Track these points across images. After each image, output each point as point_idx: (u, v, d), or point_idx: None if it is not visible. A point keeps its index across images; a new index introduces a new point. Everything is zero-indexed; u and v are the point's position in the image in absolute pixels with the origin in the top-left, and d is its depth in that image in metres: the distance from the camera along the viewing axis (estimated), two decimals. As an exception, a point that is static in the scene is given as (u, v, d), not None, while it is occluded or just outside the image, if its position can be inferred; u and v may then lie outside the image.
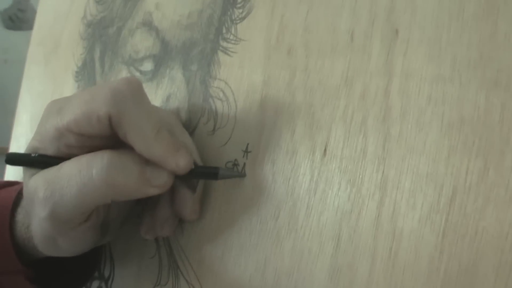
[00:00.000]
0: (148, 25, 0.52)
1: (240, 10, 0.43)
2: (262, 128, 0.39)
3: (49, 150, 0.38)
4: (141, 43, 0.53)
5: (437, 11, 0.31)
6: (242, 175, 0.39)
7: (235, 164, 0.40)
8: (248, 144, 0.40)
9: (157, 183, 0.37)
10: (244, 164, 0.39)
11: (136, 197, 0.37)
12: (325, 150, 0.35)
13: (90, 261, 0.50)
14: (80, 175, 0.35)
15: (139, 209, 0.45)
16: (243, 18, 0.42)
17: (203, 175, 0.40)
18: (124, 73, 0.54)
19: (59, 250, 0.40)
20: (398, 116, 0.31)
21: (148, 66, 0.52)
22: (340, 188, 0.34)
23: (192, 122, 0.45)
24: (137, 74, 0.52)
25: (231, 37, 0.43)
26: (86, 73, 0.61)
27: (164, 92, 0.49)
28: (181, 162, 0.37)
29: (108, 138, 0.37)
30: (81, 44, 0.63)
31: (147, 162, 0.37)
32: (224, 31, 0.44)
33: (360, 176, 0.33)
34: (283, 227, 0.36)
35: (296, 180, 0.36)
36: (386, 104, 0.32)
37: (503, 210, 0.27)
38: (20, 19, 1.89)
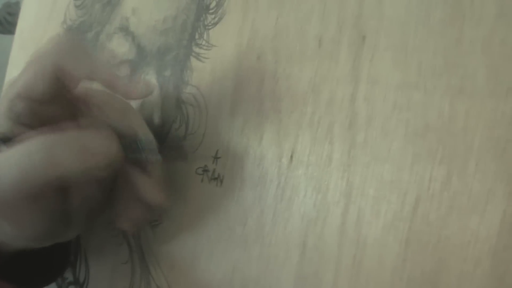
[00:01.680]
0: (124, 30, 0.52)
1: (213, 16, 0.43)
2: (231, 134, 0.39)
3: (4, 129, 0.37)
4: (117, 48, 0.53)
5: (403, 17, 0.31)
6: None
7: (205, 170, 0.40)
8: (217, 150, 0.39)
9: (98, 149, 0.36)
10: (223, 176, 0.39)
11: (82, 172, 0.35)
12: (291, 156, 0.35)
13: (59, 259, 0.50)
14: (19, 154, 0.34)
15: (113, 215, 0.44)
16: (216, 24, 0.42)
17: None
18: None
19: (7, 235, 0.39)
20: (363, 123, 0.31)
21: (124, 71, 0.51)
22: (306, 195, 0.33)
23: (164, 128, 0.44)
24: (114, 79, 0.52)
25: (204, 42, 0.43)
26: (65, 78, 0.61)
27: (139, 98, 0.48)
28: (134, 87, 0.38)
29: (57, 107, 0.38)
30: (61, 49, 0.63)
31: (89, 135, 0.36)
32: (197, 36, 0.44)
33: (326, 183, 0.32)
34: (250, 234, 0.36)
35: (263, 186, 0.36)
36: (352, 111, 0.32)
37: (466, 219, 0.27)
38: (9, 23, 1.87)
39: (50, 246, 0.42)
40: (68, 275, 0.53)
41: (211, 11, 0.43)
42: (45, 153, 0.34)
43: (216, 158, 0.39)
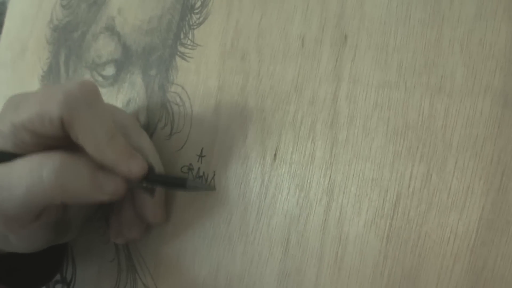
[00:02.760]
0: (110, 30, 0.52)
1: (198, 16, 0.43)
2: (216, 133, 0.39)
3: (6, 145, 0.37)
4: (103, 48, 0.53)
5: (384, 17, 0.31)
6: (211, 188, 0.39)
7: (190, 168, 0.40)
8: (202, 148, 0.40)
9: (109, 189, 0.36)
10: (214, 174, 0.39)
11: (87, 202, 0.37)
12: (275, 155, 0.35)
13: (54, 260, 0.50)
14: (30, 174, 0.34)
15: (100, 213, 0.44)
16: (200, 24, 0.43)
17: (168, 184, 0.39)
18: (87, 78, 0.54)
19: (13, 247, 0.39)
20: (345, 121, 0.32)
21: (110, 71, 0.51)
22: (289, 192, 0.34)
23: (150, 127, 0.45)
24: (100, 78, 0.52)
25: (189, 42, 0.43)
26: (51, 77, 0.61)
27: (125, 97, 0.48)
28: (134, 168, 0.36)
29: (64, 139, 0.37)
30: (47, 48, 0.63)
31: (100, 167, 0.36)
32: (182, 36, 0.44)
33: (308, 181, 0.33)
34: (234, 231, 0.36)
35: (247, 184, 0.36)
36: (334, 110, 0.32)
37: (445, 215, 0.27)
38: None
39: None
40: (55, 274, 0.53)
41: (196, 11, 0.43)
42: (55, 177, 0.34)
43: (201, 156, 0.40)
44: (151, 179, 0.38)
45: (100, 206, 0.44)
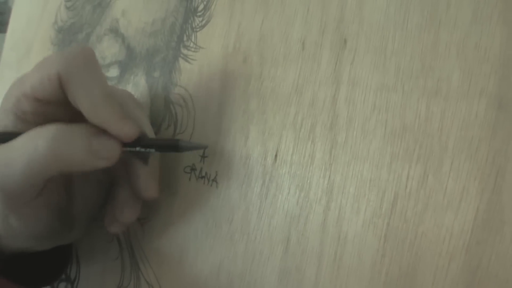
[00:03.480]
0: (114, 31, 0.53)
1: (200, 19, 0.43)
2: (218, 134, 0.40)
3: (8, 119, 0.38)
4: (108, 49, 0.54)
5: (383, 21, 0.32)
6: (204, 146, 0.40)
7: (193, 168, 0.41)
8: (205, 149, 0.40)
9: (104, 154, 0.36)
10: (216, 174, 0.40)
11: (84, 168, 0.37)
12: (276, 155, 0.36)
13: (60, 260, 0.50)
14: (27, 145, 0.35)
15: (104, 211, 0.45)
16: (203, 26, 0.43)
17: (160, 147, 0.39)
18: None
19: (15, 231, 0.39)
20: (344, 123, 0.32)
21: (114, 72, 0.52)
22: (289, 192, 0.34)
23: (153, 127, 0.45)
24: (104, 79, 0.53)
25: (192, 44, 0.44)
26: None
27: (129, 98, 0.49)
28: (126, 129, 0.37)
29: (62, 108, 0.38)
30: (52, 49, 0.64)
31: (95, 133, 0.36)
32: (185, 38, 0.45)
33: (308, 181, 0.33)
34: (236, 231, 0.37)
35: (249, 184, 0.37)
36: (334, 112, 0.33)
37: (441, 215, 0.28)
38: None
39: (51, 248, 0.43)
40: (60, 272, 0.54)
41: (198, 14, 0.44)
42: (50, 146, 0.35)
43: (203, 157, 0.40)
44: (144, 144, 0.38)
45: (104, 205, 0.45)
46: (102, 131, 0.37)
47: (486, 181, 0.26)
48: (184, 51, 0.44)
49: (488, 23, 0.28)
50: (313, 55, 0.35)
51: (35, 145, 0.35)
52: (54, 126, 0.35)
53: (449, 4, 0.29)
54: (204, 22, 0.43)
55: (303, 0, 0.36)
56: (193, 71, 0.43)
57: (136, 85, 0.49)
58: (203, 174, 0.40)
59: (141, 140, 0.38)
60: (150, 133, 0.40)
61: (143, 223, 0.45)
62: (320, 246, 0.32)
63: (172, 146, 0.38)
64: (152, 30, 0.48)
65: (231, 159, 0.38)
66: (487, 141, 0.27)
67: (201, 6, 0.44)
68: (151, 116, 0.46)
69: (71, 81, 0.36)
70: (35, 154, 0.35)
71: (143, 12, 0.50)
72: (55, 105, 0.38)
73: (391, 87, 0.31)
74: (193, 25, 0.44)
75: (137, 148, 0.38)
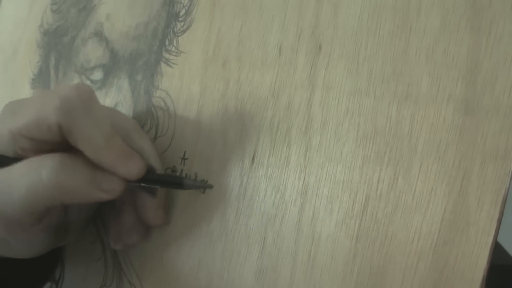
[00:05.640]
0: (99, 35, 0.54)
1: (182, 23, 0.44)
2: (198, 136, 0.40)
3: (6, 151, 0.37)
4: (92, 52, 0.54)
5: (356, 28, 0.33)
6: (209, 186, 0.39)
7: (174, 170, 0.42)
8: (185, 151, 0.41)
9: (107, 187, 0.36)
10: (196, 176, 0.40)
11: (86, 201, 0.37)
12: (253, 158, 0.36)
13: (48, 263, 0.50)
14: (30, 174, 0.34)
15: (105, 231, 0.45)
16: (184, 31, 0.44)
17: (165, 183, 0.39)
18: (76, 82, 0.55)
19: (14, 252, 0.39)
20: (318, 126, 0.33)
21: (98, 75, 0.53)
22: (266, 194, 0.35)
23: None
24: (88, 82, 0.53)
25: (173, 49, 0.44)
26: (41, 80, 0.62)
27: (112, 101, 0.50)
28: (132, 170, 0.37)
29: (63, 143, 0.37)
30: (38, 52, 0.64)
31: (99, 166, 0.36)
32: (167, 43, 0.45)
33: (284, 183, 0.34)
34: (215, 231, 0.38)
35: (227, 186, 0.38)
36: (309, 115, 0.34)
37: (410, 217, 0.28)
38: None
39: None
40: (44, 272, 0.54)
41: (180, 19, 0.45)
42: (55, 176, 0.34)
43: (183, 159, 0.41)
44: (149, 180, 0.38)
45: (100, 204, 0.45)
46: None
47: (453, 184, 0.27)
48: (166, 55, 0.45)
49: (456, 31, 0.29)
50: (289, 60, 0.36)
51: (39, 174, 0.34)
52: (58, 156, 0.35)
53: (419, 12, 0.30)
54: (185, 27, 0.44)
55: (280, 6, 0.37)
56: (174, 75, 0.44)
57: (119, 88, 0.49)
58: (183, 175, 0.41)
59: (146, 177, 0.38)
60: (156, 163, 0.40)
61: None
62: (295, 246, 0.33)
63: (176, 184, 0.39)
64: (135, 34, 0.49)
65: (210, 161, 0.39)
66: (454, 145, 0.28)
67: (183, 11, 0.44)
68: (134, 119, 0.47)
69: (72, 129, 0.35)
70: (39, 184, 0.34)
71: (126, 16, 0.51)
72: (55, 143, 0.37)
73: (364, 91, 0.31)
74: (175, 30, 0.45)
75: (142, 184, 0.38)
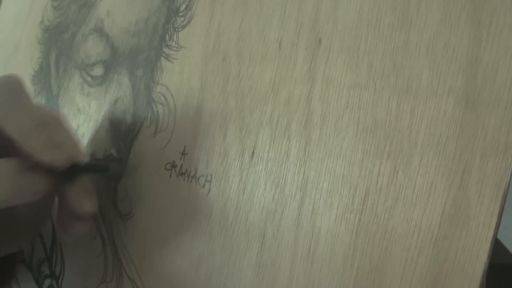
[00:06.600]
0: (99, 31, 0.54)
1: (182, 19, 0.44)
2: (198, 131, 0.40)
3: None
4: (92, 48, 0.54)
5: (356, 21, 0.32)
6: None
7: (174, 165, 0.41)
8: (185, 146, 0.41)
9: (30, 190, 0.36)
10: (196, 171, 0.40)
11: (11, 204, 0.36)
12: (253, 152, 0.36)
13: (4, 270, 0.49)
14: None
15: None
16: (184, 26, 0.44)
17: (91, 171, 0.40)
18: (76, 78, 0.55)
19: None
20: (318, 120, 0.33)
21: (98, 71, 0.53)
22: (265, 188, 0.35)
23: (136, 125, 0.46)
24: (89, 78, 0.53)
25: (173, 44, 0.44)
26: (42, 77, 0.62)
27: (112, 96, 0.50)
28: (56, 157, 0.37)
29: None
30: (38, 48, 0.64)
31: (21, 170, 0.36)
32: (167, 38, 0.45)
33: (284, 178, 0.34)
34: (214, 226, 0.38)
35: (227, 181, 0.37)
36: (308, 110, 0.34)
37: (410, 210, 0.28)
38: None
39: None
40: (44, 269, 0.54)
41: (180, 14, 0.45)
42: None
43: (183, 154, 0.41)
44: (74, 170, 0.39)
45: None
46: (30, 165, 0.36)
47: (453, 178, 0.27)
48: (166, 51, 0.45)
49: (457, 24, 0.28)
50: (289, 54, 0.35)
51: None
52: None
53: (419, 5, 0.30)
54: (185, 22, 0.44)
55: (280, 1, 0.37)
56: (174, 70, 0.44)
57: (120, 84, 0.49)
58: (183, 170, 0.41)
59: (71, 168, 0.38)
60: (78, 155, 0.40)
61: (126, 220, 0.45)
62: (295, 240, 0.33)
63: (101, 170, 0.40)
64: (135, 30, 0.49)
65: (210, 156, 0.39)
66: (454, 138, 0.27)
67: (183, 6, 0.44)
68: (134, 114, 0.47)
69: (1, 114, 0.36)
70: None
71: (127, 12, 0.51)
72: None
73: (364, 85, 0.31)
74: (175, 25, 0.45)
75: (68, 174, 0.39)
